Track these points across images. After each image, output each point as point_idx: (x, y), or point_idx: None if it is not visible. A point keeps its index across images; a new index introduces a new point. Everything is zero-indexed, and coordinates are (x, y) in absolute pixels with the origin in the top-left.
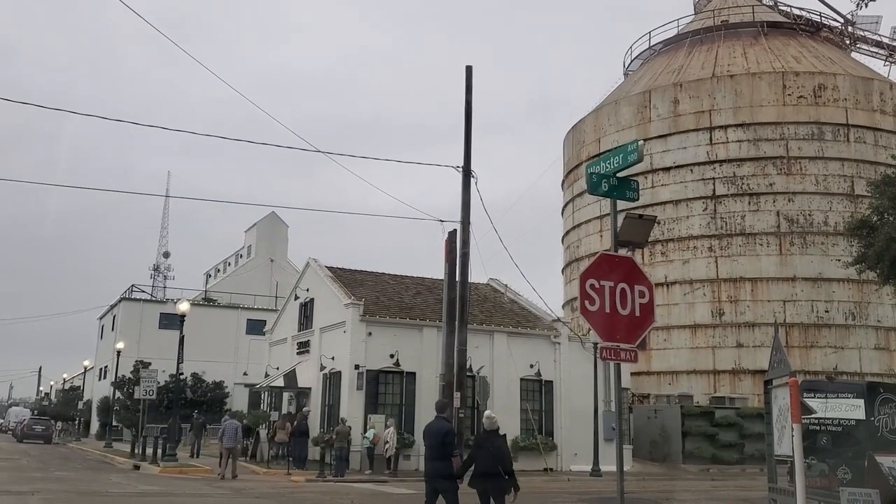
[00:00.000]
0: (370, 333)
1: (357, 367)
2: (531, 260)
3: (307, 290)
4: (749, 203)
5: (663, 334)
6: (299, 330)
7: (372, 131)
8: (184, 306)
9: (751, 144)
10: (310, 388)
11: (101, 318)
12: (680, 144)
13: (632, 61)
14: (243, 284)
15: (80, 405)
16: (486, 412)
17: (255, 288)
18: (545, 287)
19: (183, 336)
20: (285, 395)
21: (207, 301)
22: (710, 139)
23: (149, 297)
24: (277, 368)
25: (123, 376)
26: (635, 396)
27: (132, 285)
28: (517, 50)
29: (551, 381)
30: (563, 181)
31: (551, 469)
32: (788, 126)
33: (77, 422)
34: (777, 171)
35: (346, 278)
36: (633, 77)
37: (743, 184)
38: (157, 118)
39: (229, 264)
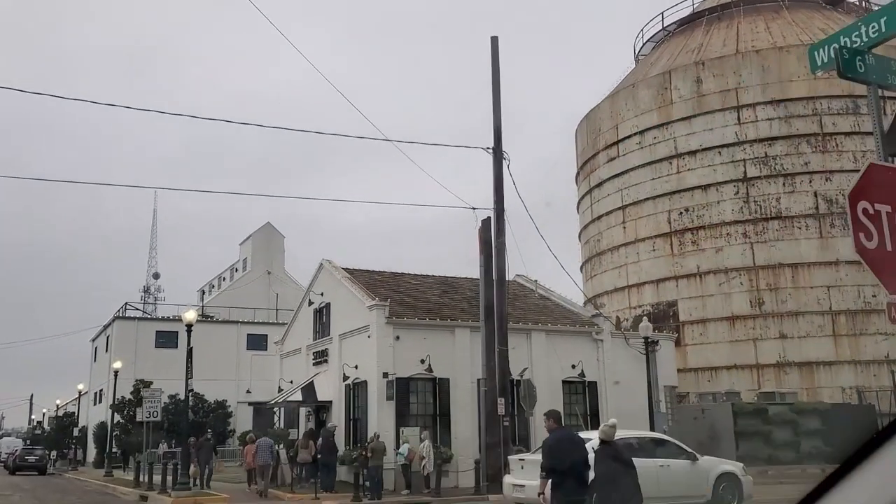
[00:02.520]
0: (398, 337)
1: (385, 374)
2: (541, 259)
3: (321, 294)
4: (784, 184)
5: (699, 328)
6: (315, 338)
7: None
8: (190, 315)
9: (782, 122)
10: (331, 402)
11: (93, 340)
12: (706, 126)
13: (644, 45)
14: (240, 299)
15: (76, 432)
16: (611, 420)
17: (254, 302)
18: (559, 286)
19: (191, 347)
20: (302, 411)
21: (205, 317)
22: (738, 118)
23: (144, 315)
24: (291, 382)
25: (123, 398)
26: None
27: (126, 303)
28: (507, 48)
29: (595, 382)
30: (578, 174)
31: None
32: (821, 101)
33: (73, 450)
34: (812, 150)
35: (364, 279)
36: (649, 59)
37: (776, 164)
38: (127, 143)
39: (224, 279)
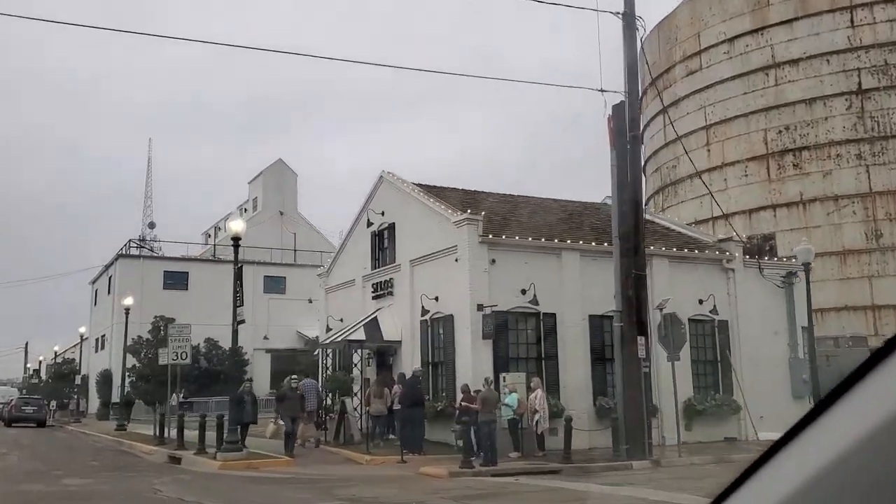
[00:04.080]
0: (493, 261)
1: (480, 307)
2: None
3: (382, 213)
4: None
5: None
6: (375, 267)
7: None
8: (237, 225)
9: None
10: (399, 342)
11: (93, 282)
12: (811, 30)
13: None
14: (251, 241)
15: (78, 380)
16: None
17: (265, 244)
18: None
19: (240, 266)
20: (361, 354)
21: (214, 259)
22: (852, 20)
23: (150, 254)
24: (342, 320)
25: (140, 337)
26: None
27: (129, 240)
28: None
29: (726, 321)
30: (645, 92)
31: (734, 438)
32: None
33: (76, 400)
34: None
35: (435, 194)
36: None
37: None
38: (111, 89)
39: None
